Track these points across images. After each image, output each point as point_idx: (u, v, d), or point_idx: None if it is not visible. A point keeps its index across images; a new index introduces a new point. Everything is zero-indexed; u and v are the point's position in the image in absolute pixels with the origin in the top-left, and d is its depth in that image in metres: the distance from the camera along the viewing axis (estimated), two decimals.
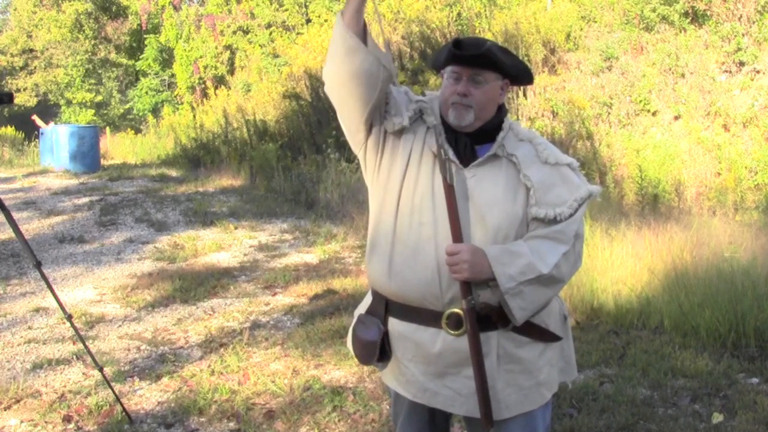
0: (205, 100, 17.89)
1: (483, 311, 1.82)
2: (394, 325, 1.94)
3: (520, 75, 1.95)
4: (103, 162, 14.51)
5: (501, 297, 1.79)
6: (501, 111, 1.94)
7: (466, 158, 1.89)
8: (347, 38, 1.79)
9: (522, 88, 9.50)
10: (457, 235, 1.79)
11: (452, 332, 1.84)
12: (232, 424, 3.34)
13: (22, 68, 24.57)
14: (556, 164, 1.89)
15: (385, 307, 1.95)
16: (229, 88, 17.26)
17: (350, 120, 1.91)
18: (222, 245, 7.25)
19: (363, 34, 1.80)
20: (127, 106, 23.78)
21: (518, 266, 1.78)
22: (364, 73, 1.80)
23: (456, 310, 1.83)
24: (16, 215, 3.66)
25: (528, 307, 1.81)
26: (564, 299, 5.13)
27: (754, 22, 8.80)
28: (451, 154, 1.88)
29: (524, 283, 1.78)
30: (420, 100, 1.95)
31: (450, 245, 1.78)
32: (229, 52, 18.78)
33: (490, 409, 1.82)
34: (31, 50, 24.38)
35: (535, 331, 1.89)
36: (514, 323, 1.83)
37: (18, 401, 3.58)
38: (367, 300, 2.05)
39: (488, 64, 1.86)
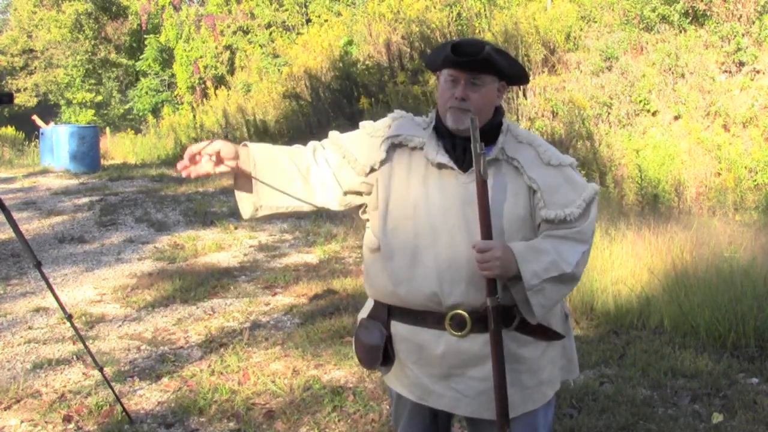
0: (205, 100, 17.89)
1: (486, 311, 1.82)
2: (397, 328, 1.94)
3: (516, 76, 1.94)
4: (103, 162, 14.51)
5: (521, 294, 1.80)
6: (498, 112, 1.93)
7: (466, 162, 1.87)
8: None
9: (522, 88, 9.50)
10: (488, 232, 1.77)
11: (455, 333, 1.84)
12: (232, 424, 3.34)
13: (22, 68, 24.61)
14: (559, 165, 1.89)
15: (388, 311, 1.95)
16: (229, 88, 17.26)
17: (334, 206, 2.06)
18: (222, 245, 7.25)
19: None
20: (127, 106, 23.79)
21: (543, 263, 1.79)
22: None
23: (459, 311, 1.83)
24: (16, 215, 3.66)
25: (547, 304, 1.82)
26: (564, 298, 5.12)
27: (753, 22, 8.79)
28: (446, 159, 1.87)
29: (547, 280, 1.79)
30: (391, 136, 1.93)
31: (481, 242, 1.77)
32: (229, 52, 18.78)
33: (507, 412, 1.82)
34: (31, 50, 24.41)
35: (537, 331, 1.89)
36: (531, 321, 1.84)
37: (18, 401, 3.58)
38: (369, 304, 2.05)
39: (486, 67, 1.84)
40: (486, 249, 1.75)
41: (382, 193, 1.92)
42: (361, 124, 2.03)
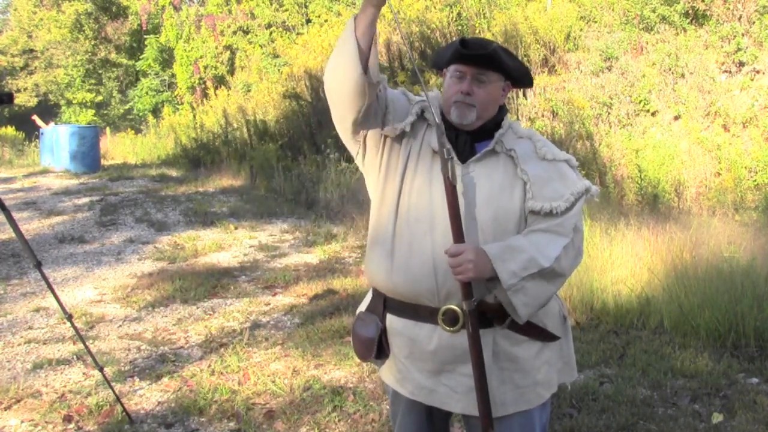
0: (205, 100, 17.88)
1: (479, 308, 1.82)
2: (392, 321, 1.96)
3: (521, 77, 1.96)
4: (103, 162, 14.52)
5: (503, 295, 1.79)
6: (501, 111, 1.97)
7: (465, 154, 1.90)
8: (352, 54, 1.77)
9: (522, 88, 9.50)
10: (459, 235, 1.79)
11: (448, 329, 1.85)
12: (232, 424, 3.34)
13: (22, 68, 24.61)
14: (554, 160, 1.90)
15: (384, 304, 1.97)
16: (229, 88, 17.26)
17: (343, 125, 1.93)
18: (222, 245, 7.25)
19: (370, 44, 1.79)
20: (128, 106, 23.80)
21: (520, 261, 1.78)
22: (356, 86, 1.80)
23: (452, 306, 1.84)
24: (16, 215, 3.66)
25: (531, 302, 1.81)
26: (564, 299, 5.12)
27: (754, 22, 8.79)
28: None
29: (526, 278, 1.78)
30: (421, 101, 1.96)
31: (452, 246, 1.78)
32: (229, 52, 18.78)
33: (490, 412, 1.82)
34: (32, 50, 24.42)
35: (532, 330, 1.89)
36: (518, 321, 1.83)
37: (18, 401, 3.58)
38: (367, 298, 2.07)
39: (493, 64, 1.87)
40: (457, 253, 1.76)
41: (397, 167, 1.93)
42: (398, 89, 2.04)
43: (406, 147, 1.93)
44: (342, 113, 1.89)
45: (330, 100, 1.90)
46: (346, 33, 1.79)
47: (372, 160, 1.97)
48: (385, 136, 1.94)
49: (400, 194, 1.92)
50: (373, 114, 1.89)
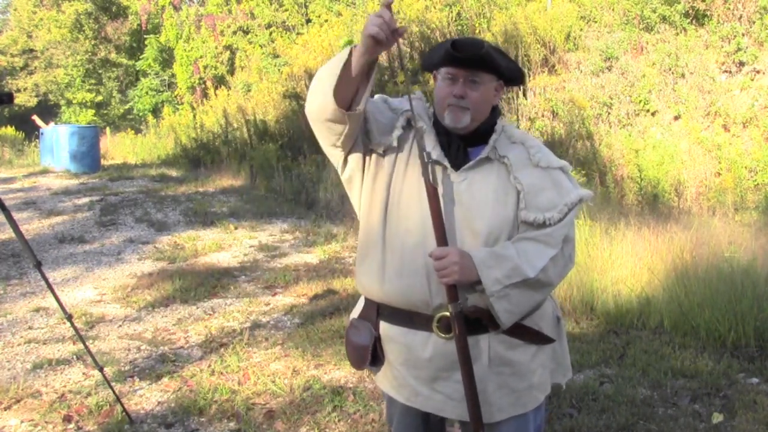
0: (205, 100, 17.88)
1: (473, 314, 1.81)
2: (386, 329, 1.94)
3: (513, 76, 1.92)
4: (103, 162, 14.51)
5: (487, 300, 1.78)
6: (494, 112, 1.92)
7: (458, 161, 1.87)
8: (331, 85, 1.72)
9: (522, 88, 9.50)
10: (442, 238, 1.77)
11: (443, 336, 1.83)
12: (232, 424, 3.34)
13: (22, 68, 24.62)
14: (548, 168, 1.86)
15: (377, 311, 1.95)
16: (229, 88, 17.26)
17: (324, 143, 1.90)
18: (222, 245, 7.25)
19: (359, 80, 1.75)
20: (127, 106, 23.81)
21: (504, 269, 1.76)
22: (334, 116, 1.77)
23: (447, 313, 1.81)
24: (16, 215, 3.66)
25: (514, 310, 1.80)
26: (564, 299, 5.13)
27: (754, 22, 8.80)
28: (440, 155, 1.86)
29: (510, 286, 1.76)
30: (406, 111, 1.91)
31: (437, 249, 1.76)
32: (229, 52, 18.77)
33: (480, 415, 1.81)
34: (31, 50, 24.43)
35: (527, 334, 1.87)
36: (501, 326, 1.82)
37: (18, 401, 3.58)
38: (360, 304, 2.04)
39: (485, 65, 1.83)
40: (442, 255, 1.75)
41: (384, 177, 1.89)
42: (378, 96, 1.99)
43: (392, 157, 1.90)
44: (322, 135, 1.86)
45: (309, 120, 1.86)
46: (335, 62, 1.73)
47: (355, 173, 1.93)
48: (369, 156, 1.91)
49: (388, 204, 1.88)
50: (355, 136, 1.85)
